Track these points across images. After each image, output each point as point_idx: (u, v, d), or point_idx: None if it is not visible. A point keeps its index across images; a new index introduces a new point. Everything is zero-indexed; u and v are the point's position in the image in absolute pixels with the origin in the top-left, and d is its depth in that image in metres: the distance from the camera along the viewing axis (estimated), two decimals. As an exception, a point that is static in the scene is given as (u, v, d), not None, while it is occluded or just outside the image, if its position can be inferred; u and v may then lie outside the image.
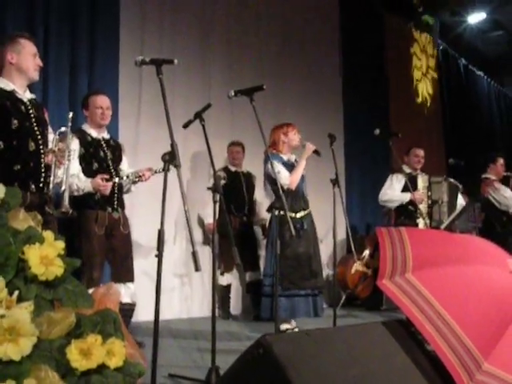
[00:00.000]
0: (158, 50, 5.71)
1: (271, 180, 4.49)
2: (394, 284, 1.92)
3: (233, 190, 5.65)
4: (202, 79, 6.30)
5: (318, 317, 4.52)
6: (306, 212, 4.60)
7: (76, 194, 3.74)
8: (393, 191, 5.29)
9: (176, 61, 2.64)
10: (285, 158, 4.61)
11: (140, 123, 5.65)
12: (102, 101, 4.02)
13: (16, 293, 1.17)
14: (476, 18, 10.43)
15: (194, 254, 2.27)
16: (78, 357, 1.15)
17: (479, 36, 10.99)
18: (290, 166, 4.59)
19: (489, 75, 11.81)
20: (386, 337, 1.83)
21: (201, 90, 6.19)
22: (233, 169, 5.93)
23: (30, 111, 3.26)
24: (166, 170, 2.39)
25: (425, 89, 9.71)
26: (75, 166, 3.76)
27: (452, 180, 5.56)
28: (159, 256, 2.34)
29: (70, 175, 3.52)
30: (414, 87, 9.55)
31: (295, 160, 4.68)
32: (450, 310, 1.86)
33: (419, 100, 9.56)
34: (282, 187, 4.17)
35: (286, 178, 4.39)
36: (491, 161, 6.24)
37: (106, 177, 3.81)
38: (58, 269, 1.23)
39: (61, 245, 1.27)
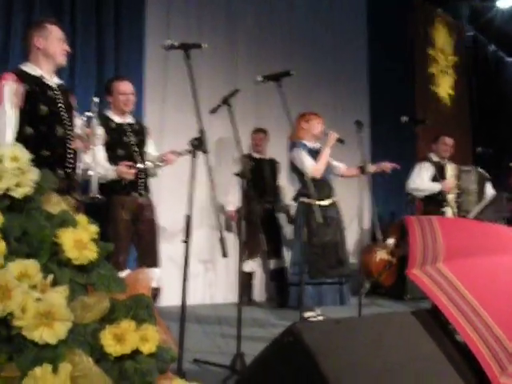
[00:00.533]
0: (184, 34, 5.69)
1: (296, 167, 4.46)
2: (425, 273, 1.89)
3: (256, 177, 5.63)
4: (229, 64, 6.27)
5: (344, 305, 4.50)
6: (332, 200, 4.57)
7: (101, 181, 3.75)
8: (421, 180, 5.21)
9: (204, 45, 2.61)
10: (309, 145, 4.57)
11: (165, 108, 5.65)
12: (126, 87, 4.00)
13: (50, 277, 1.18)
14: (506, 2, 10.20)
15: (222, 240, 2.27)
16: (111, 342, 1.15)
17: (509, 21, 10.75)
18: (315, 154, 4.54)
19: (519, 62, 11.54)
20: (415, 326, 1.81)
21: (227, 75, 6.15)
22: (257, 156, 5.91)
23: (58, 96, 3.27)
24: (194, 156, 2.39)
25: (446, 84, 9.49)
26: (101, 153, 3.78)
27: (480, 169, 5.47)
28: (187, 242, 2.34)
29: (96, 163, 3.55)
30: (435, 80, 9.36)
31: (320, 147, 4.64)
32: (482, 302, 1.82)
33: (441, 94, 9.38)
34: (307, 175, 4.18)
35: (310, 166, 4.34)
36: None
37: (130, 164, 3.82)
38: (91, 253, 1.23)
39: (94, 229, 1.27)
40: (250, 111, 6.26)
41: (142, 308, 1.19)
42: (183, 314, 2.40)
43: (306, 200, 4.33)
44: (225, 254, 2.26)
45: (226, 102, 3.30)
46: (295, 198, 4.54)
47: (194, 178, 2.39)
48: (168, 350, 1.23)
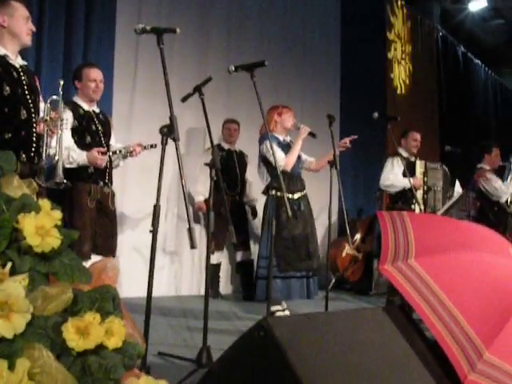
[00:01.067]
0: (155, 21, 5.57)
1: (266, 161, 4.42)
2: (396, 269, 1.87)
3: (225, 168, 5.57)
4: (200, 52, 6.18)
5: (311, 299, 4.50)
6: (302, 193, 4.56)
7: (70, 166, 3.66)
8: (395, 176, 5.19)
9: (178, 30, 2.54)
10: (280, 138, 4.54)
11: (135, 95, 5.54)
12: (96, 74, 3.92)
13: (9, 265, 1.10)
14: (477, 5, 10.37)
15: (190, 231, 2.21)
16: (74, 336, 1.08)
17: (479, 24, 10.94)
18: (286, 147, 4.52)
19: (487, 64, 11.75)
20: (386, 322, 1.79)
21: (198, 63, 6.06)
22: (226, 146, 5.84)
23: (23, 78, 3.16)
24: (164, 144, 2.31)
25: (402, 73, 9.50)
26: (68, 138, 3.68)
27: (445, 167, 5.53)
28: (154, 232, 2.27)
29: (64, 147, 3.47)
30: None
31: (290, 141, 4.61)
32: (453, 298, 1.82)
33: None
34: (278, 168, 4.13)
35: (281, 160, 4.30)
36: (486, 151, 6.20)
37: (103, 150, 3.77)
38: (54, 240, 1.14)
39: (58, 215, 1.19)
40: (220, 101, 6.19)
41: (108, 300, 1.13)
42: (148, 305, 2.33)
43: (276, 193, 4.30)
44: (193, 246, 2.20)
45: (198, 90, 3.23)
46: (265, 191, 4.50)
47: (162, 167, 2.32)
48: (135, 345, 1.16)
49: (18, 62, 3.16)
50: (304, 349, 1.40)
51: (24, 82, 3.15)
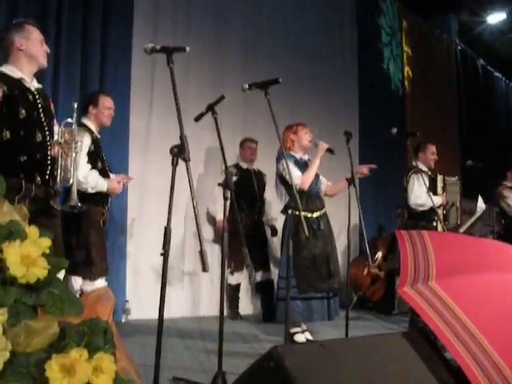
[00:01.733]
0: (171, 39, 5.61)
1: (283, 179, 4.35)
2: (416, 292, 1.78)
3: (244, 188, 5.52)
4: (216, 70, 6.17)
5: (332, 320, 4.37)
6: (321, 212, 4.46)
7: (90, 191, 3.73)
8: (425, 194, 5.01)
9: (188, 48, 2.50)
10: (297, 156, 4.47)
11: (152, 115, 5.54)
12: (111, 102, 4.02)
13: (-10, 298, 1.03)
14: (496, 18, 10.27)
15: (202, 254, 2.14)
16: (58, 374, 0.99)
17: (498, 36, 10.81)
18: (303, 165, 4.44)
19: (507, 76, 11.59)
20: (405, 349, 1.70)
21: (214, 82, 6.05)
22: (244, 166, 5.80)
23: (38, 101, 3.15)
24: (174, 164, 2.26)
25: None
26: (86, 164, 3.75)
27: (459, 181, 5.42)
28: (165, 255, 2.21)
29: (88, 172, 3.67)
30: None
31: (308, 159, 4.53)
32: (477, 323, 1.72)
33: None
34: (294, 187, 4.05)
35: (297, 178, 4.22)
36: (509, 168, 6.09)
37: (121, 179, 3.90)
38: (41, 270, 1.07)
39: (46, 243, 1.12)
40: (237, 120, 6.17)
41: (98, 334, 1.05)
42: (160, 328, 2.26)
43: (293, 212, 4.22)
44: (205, 269, 2.13)
45: (211, 109, 3.19)
46: (283, 211, 4.42)
47: (173, 188, 2.27)
48: (128, 383, 1.09)
49: (33, 84, 3.16)
50: (316, 380, 1.32)
51: (39, 105, 3.14)
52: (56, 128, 3.28)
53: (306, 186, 4.28)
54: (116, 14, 5.21)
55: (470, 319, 1.72)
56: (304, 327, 4.32)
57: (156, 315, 4.34)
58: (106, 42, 5.13)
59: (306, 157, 4.54)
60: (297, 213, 4.13)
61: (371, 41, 7.96)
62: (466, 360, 1.70)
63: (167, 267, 2.21)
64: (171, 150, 2.26)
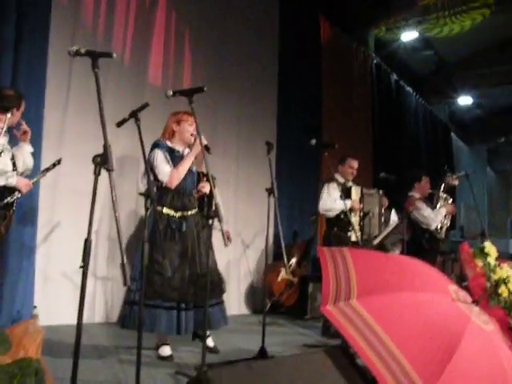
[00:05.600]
0: (91, 42, 5.43)
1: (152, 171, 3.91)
2: (338, 310, 1.82)
3: None
4: (138, 77, 6.03)
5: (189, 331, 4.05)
6: (189, 212, 4.06)
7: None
8: (332, 200, 5.24)
9: (115, 55, 2.42)
10: (175, 147, 4.08)
11: (67, 115, 5.32)
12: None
13: None
14: (408, 36, 10.78)
15: (124, 267, 2.07)
16: None
17: (410, 54, 11.36)
18: (180, 159, 4.03)
19: (417, 92, 12.19)
20: (328, 366, 1.73)
21: (135, 88, 5.92)
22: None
23: None
24: (97, 174, 2.18)
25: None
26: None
27: (381, 192, 5.62)
28: (84, 268, 2.12)
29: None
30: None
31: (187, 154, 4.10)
32: (396, 340, 1.78)
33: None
34: (159, 183, 3.87)
35: (165, 174, 3.87)
36: (417, 179, 6.36)
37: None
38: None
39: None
40: (158, 126, 6.06)
41: (30, 375, 0.99)
42: (77, 350, 2.13)
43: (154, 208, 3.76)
44: (125, 283, 2.07)
45: (134, 115, 3.11)
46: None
47: (95, 198, 2.19)
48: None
49: None
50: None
51: None
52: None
53: (173, 184, 3.92)
54: (32, 11, 4.95)
55: (389, 336, 1.79)
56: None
57: (66, 321, 4.19)
58: (21, 40, 4.85)
59: (186, 150, 4.13)
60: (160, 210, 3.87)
61: (291, 50, 8.07)
62: (384, 376, 1.76)
63: (86, 281, 2.12)
64: (94, 159, 2.17)
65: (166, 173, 3.89)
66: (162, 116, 6.01)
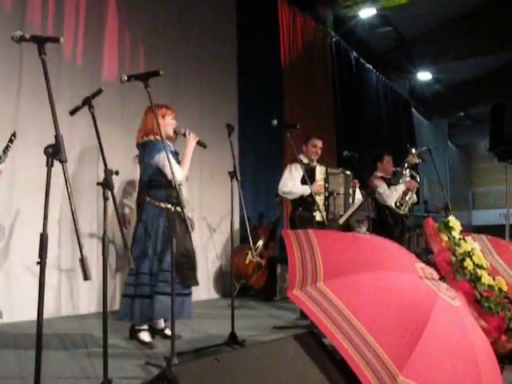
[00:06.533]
0: (41, 27, 5.24)
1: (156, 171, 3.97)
2: (306, 294, 1.79)
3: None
4: (93, 61, 5.86)
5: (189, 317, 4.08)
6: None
7: None
8: (293, 182, 5.20)
9: (62, 39, 2.30)
10: (172, 147, 4.10)
11: (20, 104, 5.13)
12: None
13: None
14: (367, 13, 10.77)
15: (83, 262, 1.99)
16: None
17: (369, 31, 11.37)
18: (176, 156, 4.06)
19: (377, 69, 12.24)
20: (298, 352, 1.71)
21: (90, 74, 5.76)
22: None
23: None
24: (49, 166, 2.08)
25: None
26: None
27: (348, 172, 5.61)
28: (41, 263, 2.03)
29: None
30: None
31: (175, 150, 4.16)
32: (364, 321, 1.76)
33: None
34: (168, 181, 3.82)
35: (180, 174, 3.87)
36: (379, 159, 6.42)
37: None
38: None
39: None
40: (115, 112, 5.92)
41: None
42: (39, 347, 2.07)
43: (165, 206, 4.00)
44: (86, 277, 1.99)
45: (87, 102, 2.99)
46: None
47: (48, 190, 2.09)
48: None
49: None
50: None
51: None
52: None
53: (183, 181, 4.07)
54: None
55: (357, 318, 1.77)
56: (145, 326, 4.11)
57: (29, 317, 4.08)
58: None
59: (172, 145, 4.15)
60: (169, 206, 3.89)
61: (250, 30, 7.98)
62: (353, 357, 1.74)
63: (44, 276, 2.04)
64: (45, 150, 2.07)
65: (180, 172, 3.89)
66: (119, 101, 5.91)
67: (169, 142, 4.05)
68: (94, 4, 5.94)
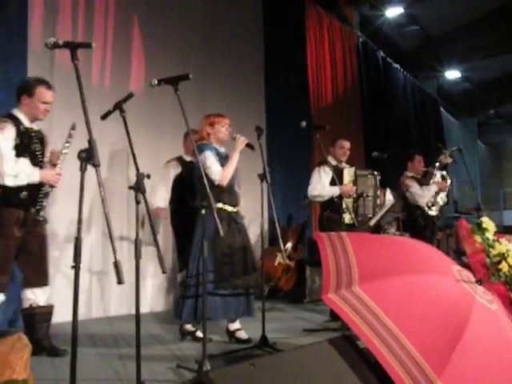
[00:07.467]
0: (72, 33, 5.32)
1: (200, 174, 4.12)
2: (341, 298, 1.77)
3: (189, 181, 5.26)
4: (122, 66, 5.93)
5: (252, 317, 4.21)
6: (239, 207, 4.34)
7: (19, 183, 3.45)
8: (322, 186, 5.16)
9: (94, 44, 2.33)
10: (219, 149, 4.25)
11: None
12: (51, 97, 3.69)
13: None
14: (393, 12, 10.68)
15: (117, 265, 2.01)
16: None
17: (396, 30, 11.26)
18: (224, 159, 4.22)
19: (405, 68, 12.10)
20: (333, 356, 1.69)
21: (120, 78, 5.82)
22: (188, 158, 5.47)
23: None
24: (83, 170, 2.10)
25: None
26: (12, 154, 3.47)
27: (376, 173, 5.55)
28: (76, 268, 2.05)
29: (15, 161, 3.42)
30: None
31: (225, 152, 4.31)
32: (401, 325, 1.73)
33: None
34: (212, 182, 3.94)
35: (217, 173, 4.04)
36: (409, 159, 6.36)
37: (58, 171, 3.63)
38: None
39: None
40: (144, 116, 5.97)
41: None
42: (74, 343, 2.09)
43: (206, 211, 4.08)
44: (120, 281, 2.00)
45: (118, 107, 3.02)
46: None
47: (82, 194, 2.12)
48: None
49: None
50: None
51: None
52: None
53: (225, 182, 4.11)
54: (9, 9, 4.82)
55: (394, 322, 1.74)
56: (197, 326, 4.22)
57: (61, 318, 4.12)
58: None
59: (223, 149, 4.33)
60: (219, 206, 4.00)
61: (277, 34, 7.99)
62: (390, 362, 1.72)
63: (79, 280, 2.06)
64: (79, 155, 2.10)
65: (219, 172, 4.05)
66: (148, 105, 5.96)
67: (218, 146, 4.25)
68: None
